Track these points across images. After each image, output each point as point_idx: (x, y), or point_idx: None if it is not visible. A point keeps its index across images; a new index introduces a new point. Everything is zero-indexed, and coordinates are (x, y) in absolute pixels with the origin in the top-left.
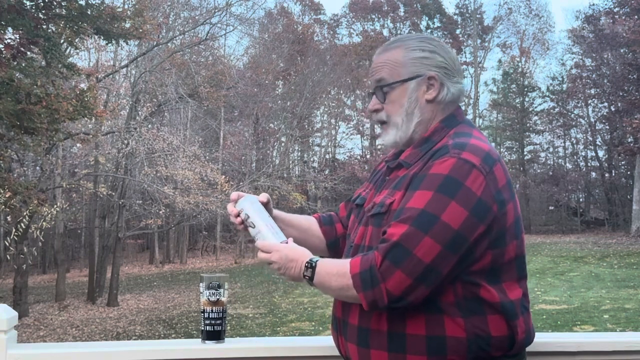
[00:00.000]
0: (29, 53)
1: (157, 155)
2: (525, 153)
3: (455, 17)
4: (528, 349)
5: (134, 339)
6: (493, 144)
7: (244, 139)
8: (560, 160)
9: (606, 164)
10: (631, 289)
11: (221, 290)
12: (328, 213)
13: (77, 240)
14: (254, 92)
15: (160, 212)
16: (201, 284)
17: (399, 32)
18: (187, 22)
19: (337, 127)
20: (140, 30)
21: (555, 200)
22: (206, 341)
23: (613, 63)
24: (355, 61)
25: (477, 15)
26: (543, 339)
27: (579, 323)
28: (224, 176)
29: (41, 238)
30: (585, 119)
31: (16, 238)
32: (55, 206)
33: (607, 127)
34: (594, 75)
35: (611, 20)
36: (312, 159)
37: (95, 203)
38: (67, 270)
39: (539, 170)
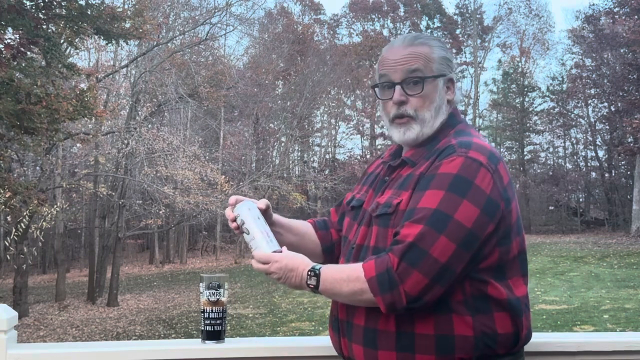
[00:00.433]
0: (29, 53)
1: (157, 155)
2: (525, 153)
3: (455, 17)
4: (528, 349)
5: (134, 339)
6: (493, 144)
7: (244, 139)
8: (560, 160)
9: (606, 164)
10: (631, 289)
11: (221, 290)
12: (322, 218)
13: (77, 240)
14: (254, 92)
15: (160, 212)
16: (201, 284)
17: (399, 32)
18: (187, 22)
19: (337, 127)
20: (140, 30)
21: (555, 200)
22: (206, 341)
23: (613, 63)
24: (355, 61)
25: (477, 15)
26: (543, 339)
27: (579, 323)
28: (224, 176)
29: (41, 238)
30: (585, 119)
31: (16, 238)
32: (55, 206)
33: (607, 127)
34: (594, 75)
35: (611, 20)
36: (312, 159)
37: (95, 203)
38: (67, 270)
39: (539, 170)
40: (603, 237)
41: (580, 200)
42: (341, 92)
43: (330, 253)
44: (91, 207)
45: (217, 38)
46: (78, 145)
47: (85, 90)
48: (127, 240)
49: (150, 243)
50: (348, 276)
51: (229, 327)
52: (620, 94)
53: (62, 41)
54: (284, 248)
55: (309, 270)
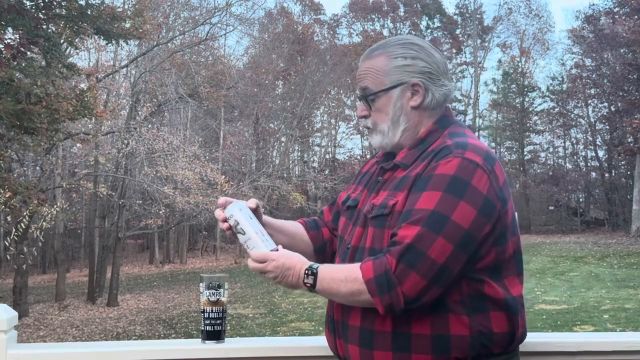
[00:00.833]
0: (29, 53)
1: (157, 155)
2: (525, 153)
3: (455, 17)
4: (529, 349)
5: (134, 339)
6: (493, 144)
7: (244, 139)
8: (560, 160)
9: (606, 164)
10: (631, 289)
11: (221, 290)
12: (312, 218)
13: (77, 240)
14: (254, 92)
15: (160, 212)
16: (201, 284)
17: (399, 32)
18: (187, 22)
19: (337, 127)
20: (140, 30)
21: (555, 200)
22: (206, 341)
23: (613, 63)
24: (355, 61)
25: (477, 15)
26: (543, 339)
27: (579, 323)
28: (224, 176)
29: (41, 238)
30: (585, 119)
31: (16, 238)
32: (55, 206)
33: (607, 127)
34: (594, 75)
35: (611, 20)
36: (312, 159)
37: (95, 203)
38: (67, 270)
39: (539, 170)
40: (603, 237)
41: (580, 200)
42: (341, 92)
43: (322, 253)
44: (91, 207)
45: (217, 38)
46: (78, 145)
47: (85, 90)
48: (127, 240)
49: (150, 243)
50: (346, 277)
51: (229, 327)
52: (620, 94)
53: (62, 41)
54: (280, 247)
55: (307, 269)
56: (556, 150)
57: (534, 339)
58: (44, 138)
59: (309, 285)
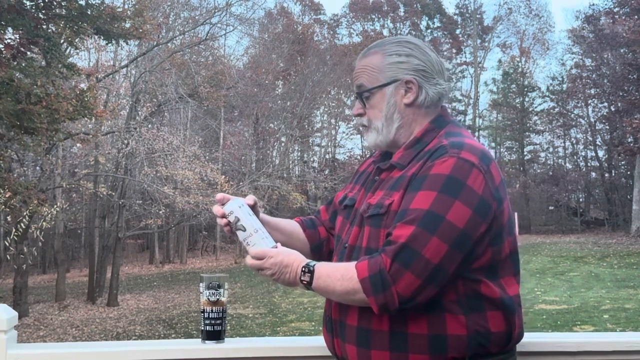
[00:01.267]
0: (29, 53)
1: (157, 155)
2: (525, 153)
3: (455, 17)
4: (529, 349)
5: (134, 339)
6: (493, 144)
7: (244, 139)
8: (560, 160)
9: (606, 164)
10: (631, 289)
11: (221, 290)
12: (309, 217)
13: (77, 240)
14: (254, 92)
15: (160, 212)
16: (201, 284)
17: (399, 32)
18: (187, 22)
19: (337, 127)
20: (140, 30)
21: (555, 200)
22: (206, 341)
23: (613, 63)
24: (355, 61)
25: (477, 15)
26: (543, 339)
27: (579, 323)
28: (224, 176)
29: (41, 238)
30: (585, 119)
31: (16, 238)
32: (55, 206)
33: (607, 127)
34: (594, 75)
35: (611, 20)
36: (312, 159)
37: (95, 203)
38: (67, 270)
39: (539, 170)
40: (603, 237)
41: (580, 200)
42: (341, 92)
43: (319, 252)
44: (91, 207)
45: (217, 38)
46: (78, 145)
47: (85, 90)
48: (127, 240)
49: (150, 243)
50: (342, 275)
51: (229, 327)
52: (620, 94)
53: (62, 41)
54: (279, 244)
55: (304, 267)
56: (556, 150)
57: (534, 339)
58: (44, 138)
59: (305, 282)
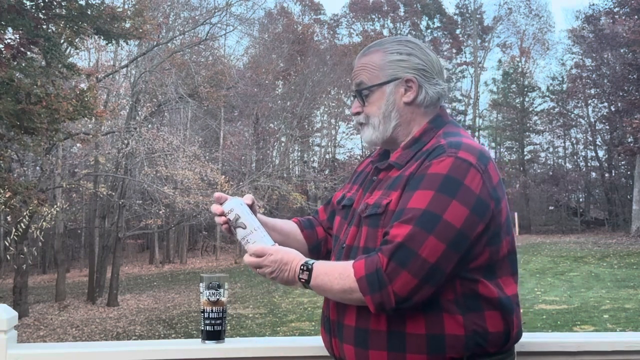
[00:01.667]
0: (29, 53)
1: (157, 155)
2: (525, 153)
3: (455, 17)
4: (528, 349)
5: (134, 339)
6: (493, 144)
7: (244, 139)
8: (560, 160)
9: (606, 164)
10: (631, 289)
11: (221, 290)
12: (307, 217)
13: (77, 240)
14: (254, 92)
15: (160, 212)
16: (201, 284)
17: (399, 32)
18: (187, 22)
19: (337, 127)
20: (140, 30)
21: (555, 200)
22: (206, 341)
23: (613, 63)
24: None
25: (477, 15)
26: (543, 339)
27: (579, 323)
28: (224, 176)
29: (41, 238)
30: (585, 119)
31: (16, 238)
32: (55, 206)
33: (607, 127)
34: (594, 75)
35: (611, 20)
36: (312, 159)
37: (95, 203)
38: (67, 270)
39: (539, 170)
40: (603, 237)
41: (580, 200)
42: (341, 92)
43: (317, 252)
44: (91, 207)
45: (217, 38)
46: (78, 145)
47: (85, 90)
48: (127, 240)
49: (150, 243)
50: (340, 274)
51: (229, 327)
52: (620, 94)
53: (62, 41)
54: (276, 244)
55: (302, 265)
56: (556, 150)
57: (533, 339)
58: (44, 138)
59: (303, 280)
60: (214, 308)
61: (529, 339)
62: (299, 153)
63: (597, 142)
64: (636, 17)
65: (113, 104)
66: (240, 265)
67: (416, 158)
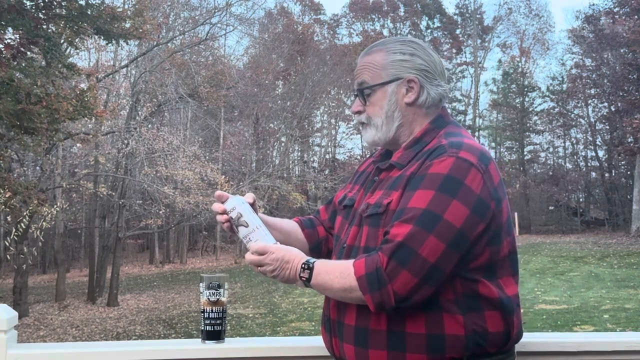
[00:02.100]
0: (29, 53)
1: (157, 155)
2: (525, 153)
3: (455, 17)
4: (528, 349)
5: (134, 339)
6: (493, 144)
7: (244, 139)
8: (560, 160)
9: (606, 164)
10: (631, 289)
11: (221, 290)
12: (308, 217)
13: (77, 240)
14: (254, 92)
15: (160, 212)
16: (201, 284)
17: (399, 32)
18: (187, 22)
19: (337, 127)
20: (140, 30)
21: (555, 200)
22: (206, 341)
23: (613, 63)
24: (356, 61)
25: (477, 15)
26: (543, 339)
27: (579, 323)
28: (224, 176)
29: (41, 238)
30: (585, 119)
31: (16, 238)
32: (55, 206)
33: (607, 127)
34: (594, 75)
35: (611, 20)
36: (312, 159)
37: (95, 203)
38: (67, 270)
39: (539, 170)
40: (603, 237)
41: (580, 200)
42: (341, 92)
43: (318, 251)
44: (91, 207)
45: (217, 38)
46: (78, 145)
47: (85, 90)
48: (127, 240)
49: (150, 243)
50: (340, 273)
51: (229, 327)
52: (620, 94)
53: (62, 41)
54: (278, 243)
55: (304, 263)
56: (556, 150)
57: (533, 339)
58: (44, 138)
59: (304, 279)
60: (214, 308)
61: (529, 339)
62: (299, 153)
63: (597, 142)
64: (636, 17)
65: (113, 104)
66: (241, 265)
67: (417, 158)
